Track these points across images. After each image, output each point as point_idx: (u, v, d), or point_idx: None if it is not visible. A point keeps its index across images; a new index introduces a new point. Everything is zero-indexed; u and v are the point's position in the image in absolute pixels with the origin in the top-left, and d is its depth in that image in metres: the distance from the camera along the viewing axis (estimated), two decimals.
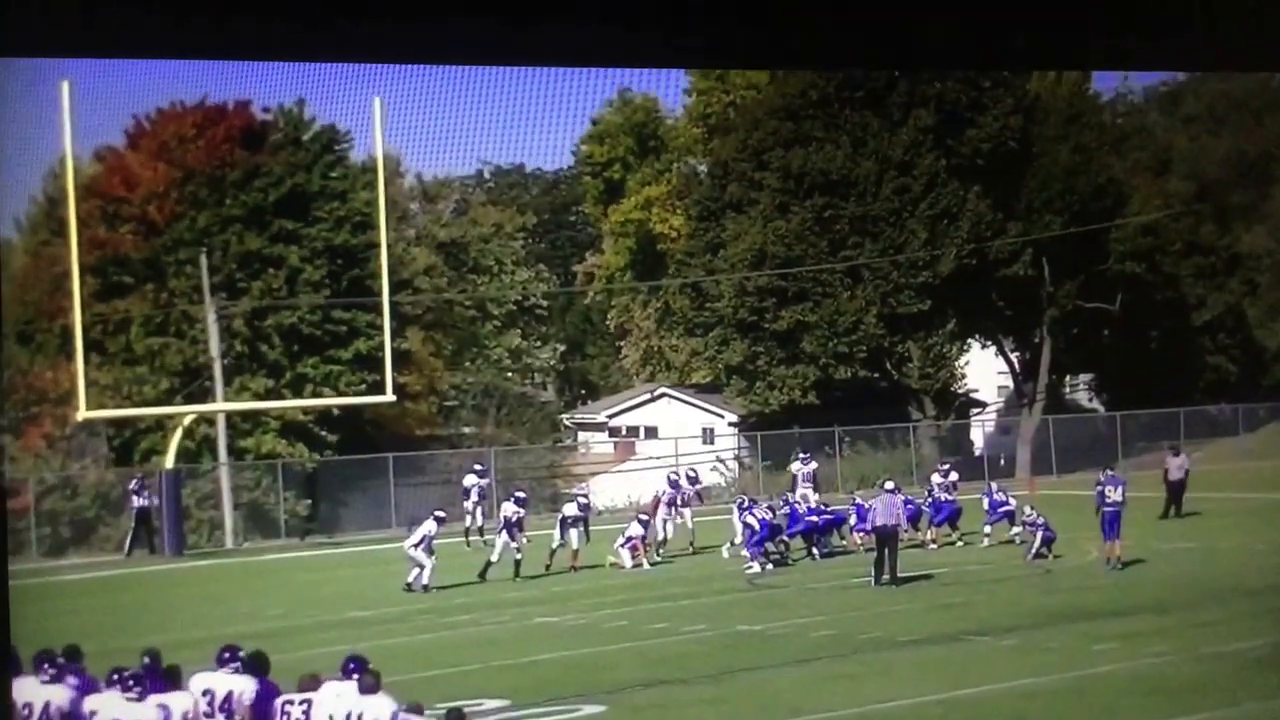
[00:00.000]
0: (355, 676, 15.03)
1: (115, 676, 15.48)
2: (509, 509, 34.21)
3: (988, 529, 36.38)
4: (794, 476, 42.69)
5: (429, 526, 32.52)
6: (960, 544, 36.24)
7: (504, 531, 33.85)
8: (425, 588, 31.98)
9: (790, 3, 4.09)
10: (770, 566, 33.61)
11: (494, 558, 33.62)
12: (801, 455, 43.21)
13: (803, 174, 56.61)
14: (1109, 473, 33.77)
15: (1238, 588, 28.04)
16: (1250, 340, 66.20)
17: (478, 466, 41.53)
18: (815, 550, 35.21)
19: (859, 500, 36.61)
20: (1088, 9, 4.25)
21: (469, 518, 39.61)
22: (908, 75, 55.48)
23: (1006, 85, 57.43)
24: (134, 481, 42.50)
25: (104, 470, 49.63)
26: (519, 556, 33.52)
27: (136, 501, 41.79)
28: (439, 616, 28.89)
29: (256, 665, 15.97)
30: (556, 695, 21.18)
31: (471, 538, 38.98)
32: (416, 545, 32.32)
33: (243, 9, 3.73)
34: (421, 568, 32.22)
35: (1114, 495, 32.14)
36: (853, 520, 35.82)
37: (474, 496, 39.65)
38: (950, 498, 37.35)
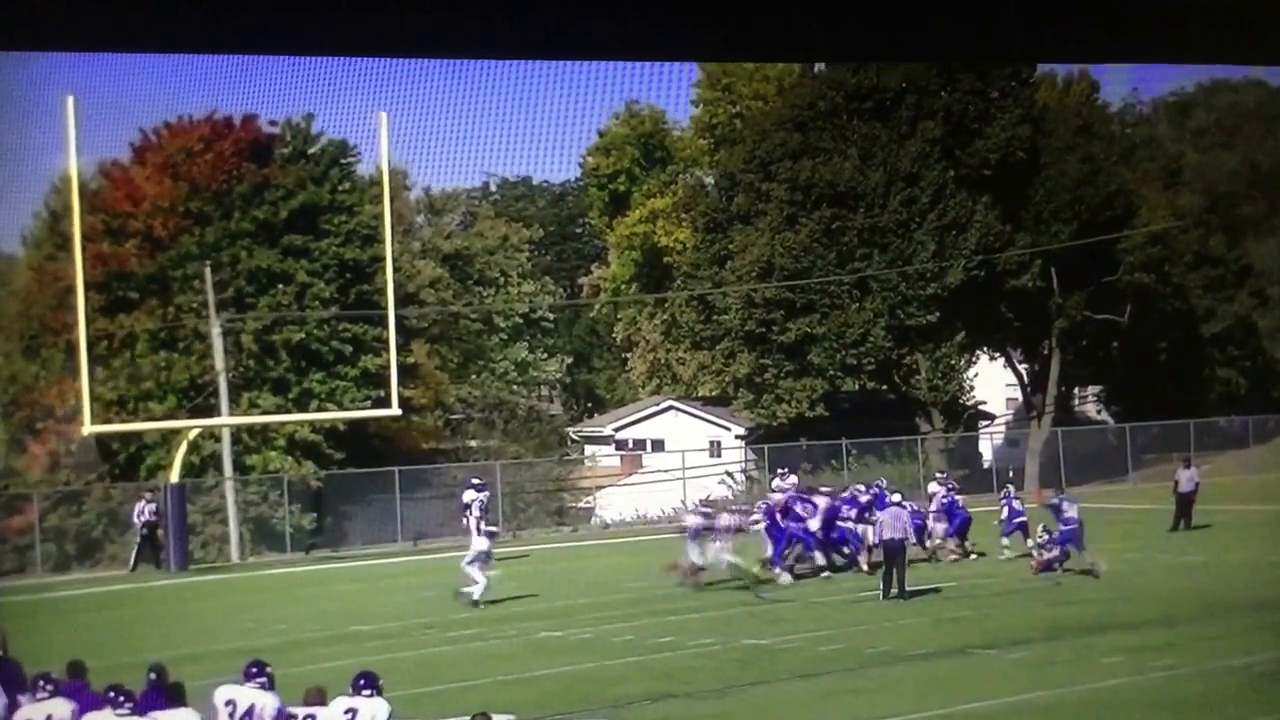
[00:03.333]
0: (366, 693, 15.03)
1: (113, 694, 15.44)
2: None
3: (1005, 540, 35.79)
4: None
5: (482, 544, 32.35)
6: (972, 557, 35.85)
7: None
8: (475, 603, 31.58)
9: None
10: (788, 579, 33.24)
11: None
12: (780, 471, 42.82)
13: (810, 185, 56.49)
14: (1062, 495, 34.63)
15: (1247, 601, 27.85)
16: (1260, 352, 66.06)
17: (476, 480, 41.13)
18: (826, 557, 34.44)
19: (856, 493, 35.85)
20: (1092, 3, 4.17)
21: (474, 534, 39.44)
22: (916, 86, 55.45)
23: (1014, 96, 57.37)
24: (140, 503, 42.18)
25: (109, 485, 49.59)
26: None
27: (144, 517, 41.62)
28: (443, 631, 28.75)
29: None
30: (561, 710, 21.06)
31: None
32: (470, 562, 32.15)
33: (246, 2, 3.66)
34: (476, 583, 31.95)
35: (1071, 512, 32.76)
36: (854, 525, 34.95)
37: (475, 511, 39.36)
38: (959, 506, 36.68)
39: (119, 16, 3.68)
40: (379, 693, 15.24)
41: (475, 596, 31.58)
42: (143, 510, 41.68)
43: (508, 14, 3.80)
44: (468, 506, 39.55)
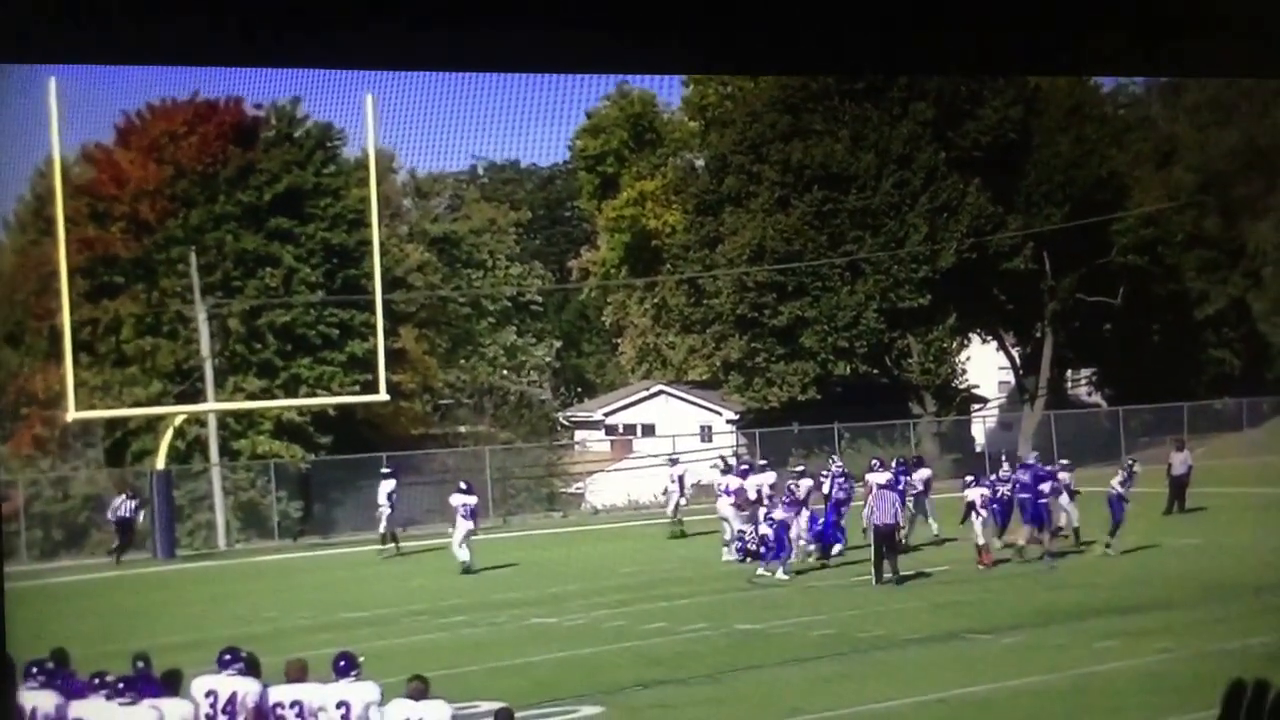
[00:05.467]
0: (353, 675, 14.86)
1: (97, 680, 15.24)
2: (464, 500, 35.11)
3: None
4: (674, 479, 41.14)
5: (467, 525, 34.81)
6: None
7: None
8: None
9: (787, 8, 3.88)
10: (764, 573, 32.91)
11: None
12: (671, 456, 42.66)
13: (802, 167, 56.31)
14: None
15: (1243, 584, 27.70)
16: (1254, 334, 65.86)
17: (385, 470, 40.29)
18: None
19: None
20: (1088, 13, 4.02)
21: (382, 523, 38.97)
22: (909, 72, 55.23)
23: (1005, 77, 57.15)
24: (120, 497, 41.37)
25: (95, 472, 49.34)
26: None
27: (120, 513, 40.80)
28: (434, 618, 28.66)
29: (255, 668, 15.75)
30: (554, 696, 20.92)
31: (386, 544, 38.59)
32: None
33: (230, 13, 3.56)
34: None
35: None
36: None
37: (389, 503, 38.80)
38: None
39: (100, 28, 3.56)
40: (361, 673, 15.02)
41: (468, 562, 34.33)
42: (120, 505, 41.00)
43: (494, 27, 3.69)
44: (390, 497, 38.94)
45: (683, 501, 40.12)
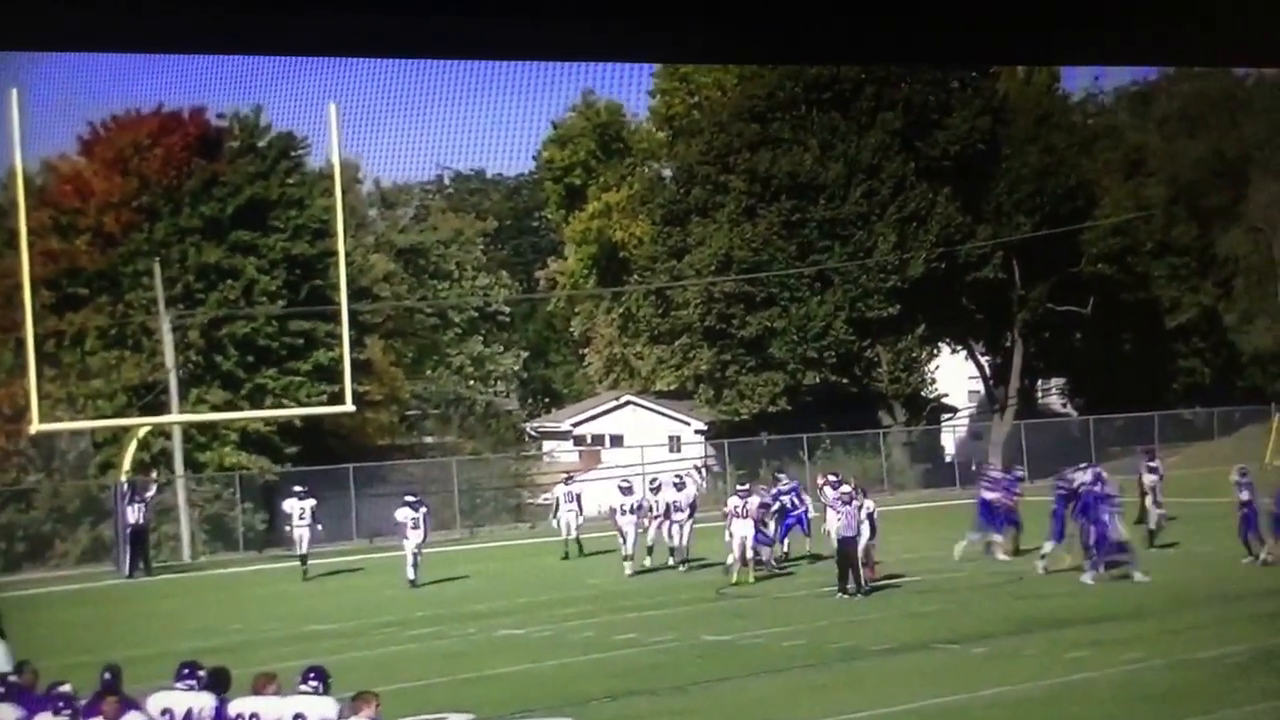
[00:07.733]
0: (314, 684, 14.71)
1: (51, 692, 15.09)
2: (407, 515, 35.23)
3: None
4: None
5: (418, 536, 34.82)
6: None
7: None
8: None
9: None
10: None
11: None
12: (566, 474, 42.77)
13: (770, 177, 56.20)
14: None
15: (1214, 593, 27.74)
16: (1224, 343, 66.05)
17: (298, 489, 39.38)
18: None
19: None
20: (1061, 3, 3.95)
21: (298, 544, 38.23)
22: (876, 77, 55.24)
23: (974, 86, 57.22)
24: (131, 492, 40.78)
25: (58, 483, 49.01)
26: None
27: (131, 516, 40.14)
28: (402, 629, 28.55)
29: (217, 682, 15.54)
30: (523, 708, 20.75)
31: (305, 564, 38.22)
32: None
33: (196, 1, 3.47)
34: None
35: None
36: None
37: (303, 520, 38.00)
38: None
39: (65, 15, 3.46)
40: (328, 689, 14.83)
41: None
42: (129, 511, 39.88)
43: (472, 13, 3.59)
44: (289, 516, 38.20)
45: (580, 520, 39.28)
